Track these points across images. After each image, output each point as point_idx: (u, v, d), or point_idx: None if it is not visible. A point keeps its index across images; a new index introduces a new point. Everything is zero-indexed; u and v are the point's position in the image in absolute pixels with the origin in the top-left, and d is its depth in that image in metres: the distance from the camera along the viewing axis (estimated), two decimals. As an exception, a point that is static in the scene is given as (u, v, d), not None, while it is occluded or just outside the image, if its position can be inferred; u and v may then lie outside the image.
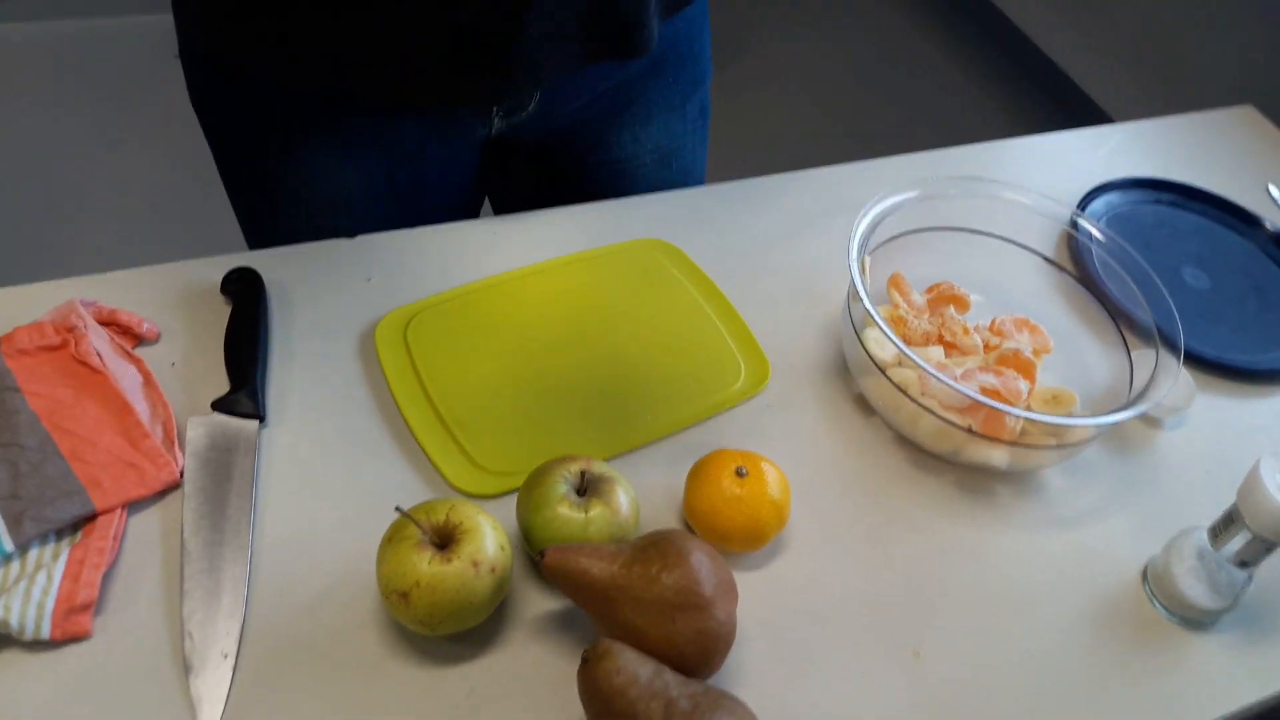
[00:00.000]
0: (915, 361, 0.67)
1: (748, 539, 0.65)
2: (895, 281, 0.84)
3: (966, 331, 0.79)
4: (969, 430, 0.70)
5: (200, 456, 0.65)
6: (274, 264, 0.78)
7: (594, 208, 0.90)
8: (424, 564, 0.55)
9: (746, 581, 0.65)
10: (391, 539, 0.57)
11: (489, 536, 0.58)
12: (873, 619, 0.65)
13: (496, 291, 0.80)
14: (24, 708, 0.54)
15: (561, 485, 0.61)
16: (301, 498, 0.65)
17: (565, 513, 0.60)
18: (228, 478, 0.64)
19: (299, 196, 0.85)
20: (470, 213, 0.97)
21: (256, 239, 0.91)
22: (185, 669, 0.56)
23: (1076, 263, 0.86)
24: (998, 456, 0.71)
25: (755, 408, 0.76)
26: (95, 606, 0.57)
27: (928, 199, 0.82)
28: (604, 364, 0.76)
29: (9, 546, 0.57)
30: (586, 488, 0.62)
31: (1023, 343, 0.80)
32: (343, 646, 0.58)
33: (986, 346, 0.80)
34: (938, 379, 0.67)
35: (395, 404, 0.71)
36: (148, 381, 0.68)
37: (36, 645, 0.56)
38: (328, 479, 0.66)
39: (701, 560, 0.57)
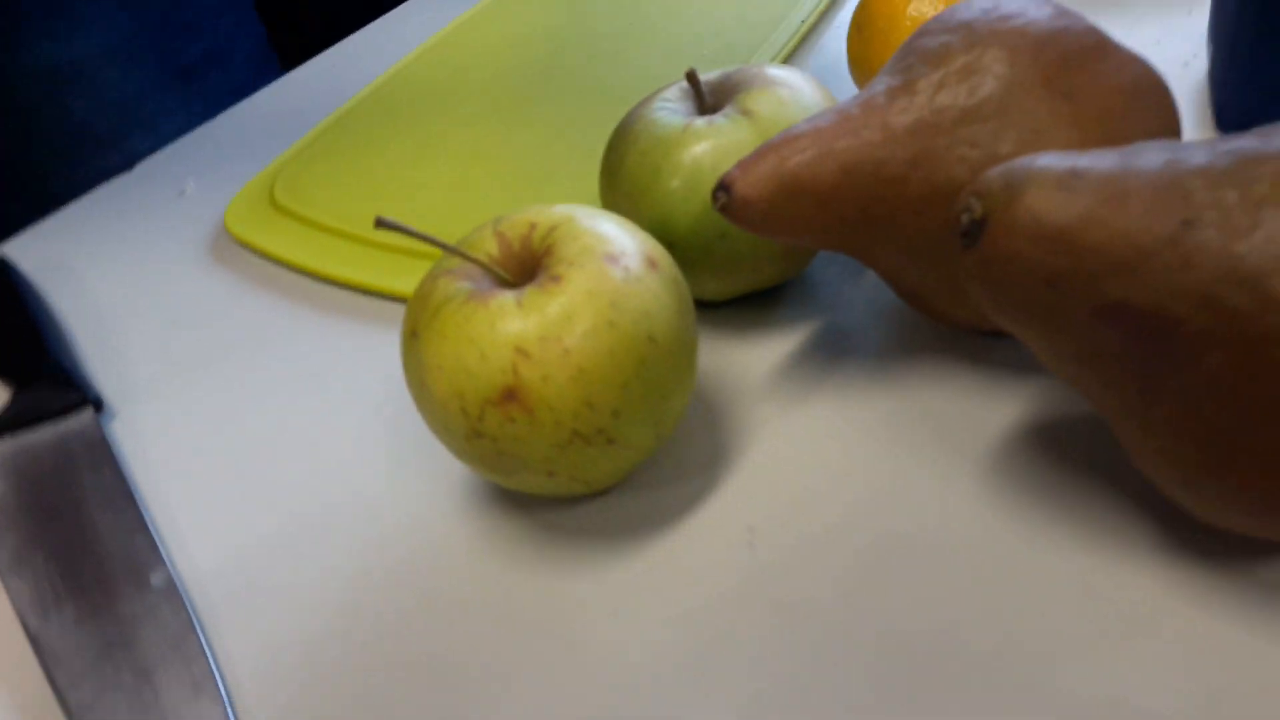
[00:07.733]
0: None
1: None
2: None
3: None
4: None
5: None
6: (20, 251, 0.45)
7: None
8: (512, 320, 0.23)
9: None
10: (432, 310, 0.25)
11: (613, 228, 0.25)
12: None
13: (411, 76, 0.49)
14: None
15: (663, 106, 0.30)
16: (221, 486, 0.32)
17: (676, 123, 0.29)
18: (75, 504, 0.31)
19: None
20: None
21: None
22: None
23: None
24: None
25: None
26: None
27: None
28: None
29: None
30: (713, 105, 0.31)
31: None
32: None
33: None
34: None
35: (303, 272, 0.39)
36: None
37: None
38: (239, 448, 0.33)
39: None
